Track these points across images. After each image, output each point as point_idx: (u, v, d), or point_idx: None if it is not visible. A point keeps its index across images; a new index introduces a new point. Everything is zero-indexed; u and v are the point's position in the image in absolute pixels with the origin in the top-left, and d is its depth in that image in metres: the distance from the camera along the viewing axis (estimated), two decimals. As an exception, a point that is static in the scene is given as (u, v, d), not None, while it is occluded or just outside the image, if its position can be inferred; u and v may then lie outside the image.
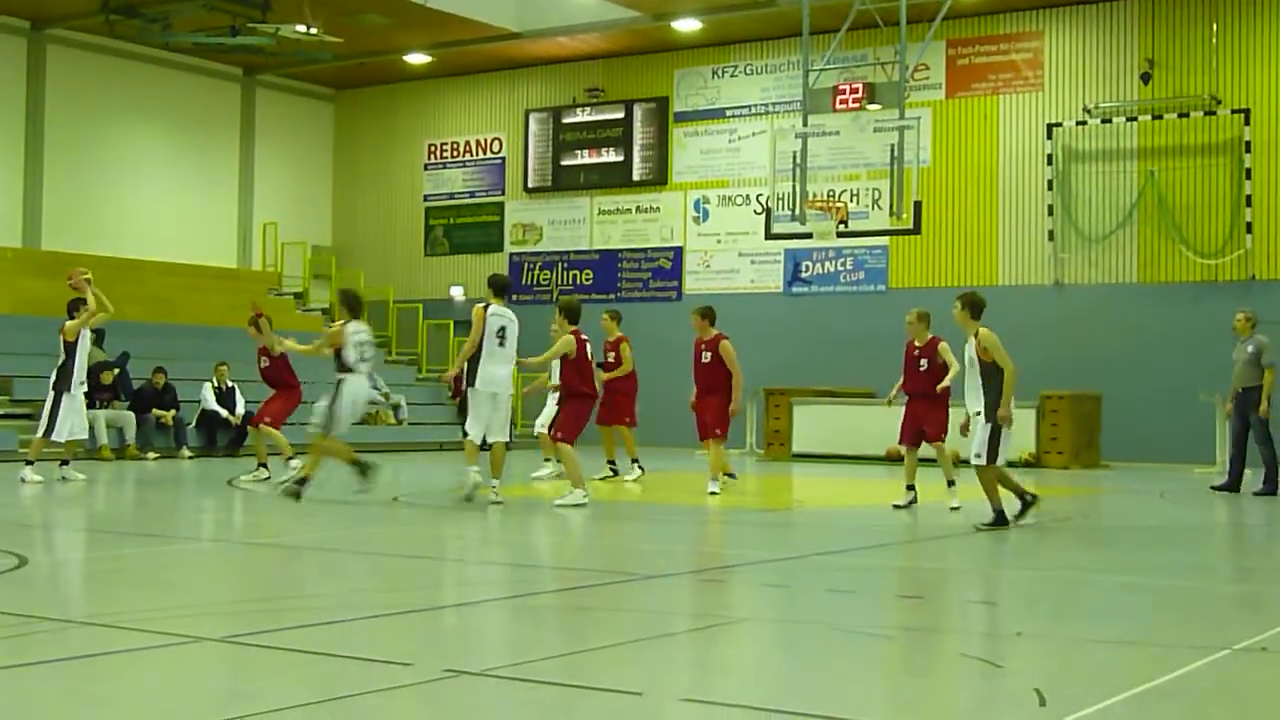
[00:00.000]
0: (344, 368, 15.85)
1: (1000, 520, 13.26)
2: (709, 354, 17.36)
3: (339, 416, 15.71)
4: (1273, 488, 18.59)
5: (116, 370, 23.96)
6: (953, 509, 15.00)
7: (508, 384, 15.61)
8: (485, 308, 15.48)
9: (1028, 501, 13.68)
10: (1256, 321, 19.05)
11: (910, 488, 15.66)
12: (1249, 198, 25.83)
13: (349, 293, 16.59)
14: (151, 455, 23.60)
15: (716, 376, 17.23)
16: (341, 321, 16.13)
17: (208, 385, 25.04)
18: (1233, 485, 18.88)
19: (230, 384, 25.13)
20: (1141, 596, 9.81)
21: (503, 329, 15.43)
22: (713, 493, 16.81)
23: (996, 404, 13.39)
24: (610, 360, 19.55)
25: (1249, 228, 25.82)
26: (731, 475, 18.47)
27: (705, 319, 17.59)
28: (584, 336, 15.99)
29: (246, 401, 25.40)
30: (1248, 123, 25.90)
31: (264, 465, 18.95)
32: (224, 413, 24.96)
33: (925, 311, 16.53)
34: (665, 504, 17.19)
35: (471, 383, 15.39)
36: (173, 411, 24.31)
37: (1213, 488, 19.17)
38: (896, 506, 15.44)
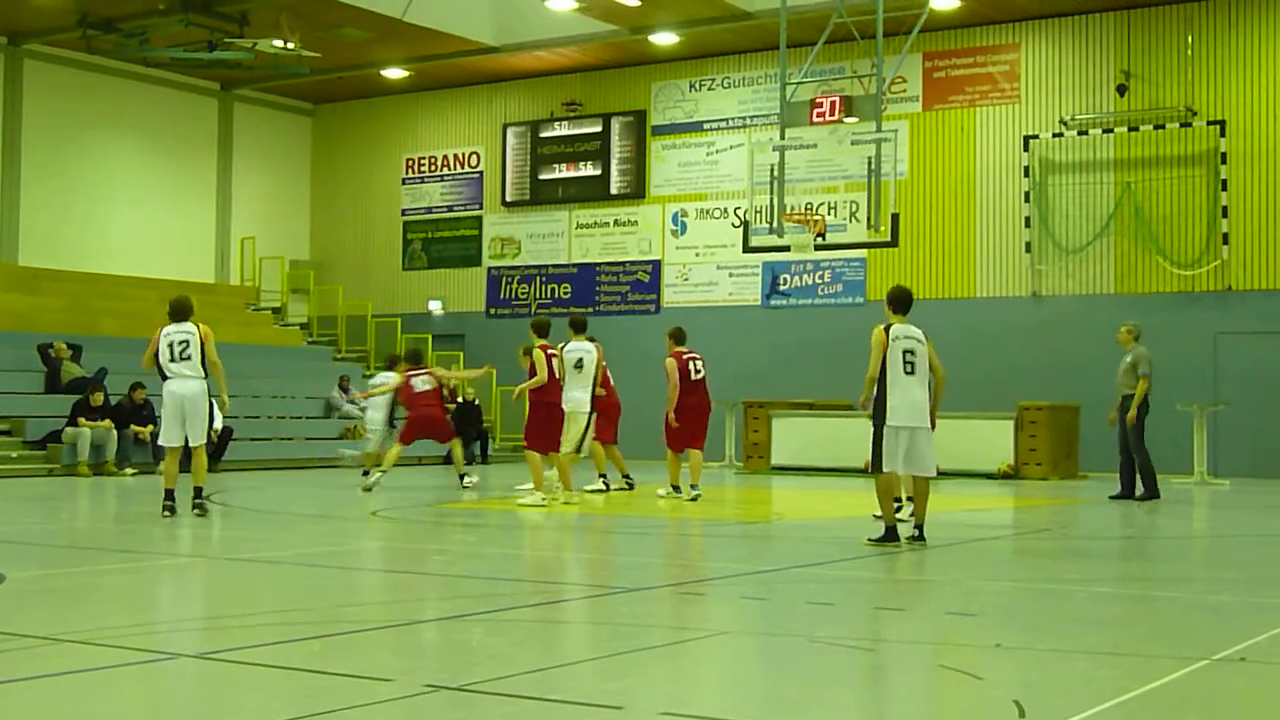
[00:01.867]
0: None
1: (890, 536, 12.63)
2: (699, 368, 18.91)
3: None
4: (1153, 492, 19.28)
5: (102, 392, 23.86)
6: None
7: (584, 404, 18.09)
8: (563, 346, 18.13)
9: (889, 528, 12.73)
10: (1139, 334, 19.82)
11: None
12: (1225, 209, 25.95)
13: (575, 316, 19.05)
14: (129, 471, 23.51)
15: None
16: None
17: (216, 400, 24.86)
18: (1126, 494, 19.46)
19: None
20: (1121, 607, 9.83)
21: (580, 360, 18.07)
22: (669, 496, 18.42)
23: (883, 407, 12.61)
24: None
25: (1225, 238, 25.93)
26: (629, 480, 20.35)
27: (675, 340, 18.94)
28: (551, 351, 17.41)
29: (224, 417, 25.33)
30: (1223, 134, 26.03)
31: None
32: (202, 428, 24.83)
33: None
34: (645, 517, 17.18)
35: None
36: (150, 427, 24.19)
37: (1110, 498, 19.55)
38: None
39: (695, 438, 18.51)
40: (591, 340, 18.74)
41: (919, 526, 12.91)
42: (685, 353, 18.59)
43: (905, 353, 12.66)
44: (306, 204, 36.35)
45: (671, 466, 18.59)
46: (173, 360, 15.40)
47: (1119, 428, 19.60)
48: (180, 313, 15.70)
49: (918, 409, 12.65)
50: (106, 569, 11.76)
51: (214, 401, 16.10)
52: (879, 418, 12.59)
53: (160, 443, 15.90)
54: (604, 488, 19.80)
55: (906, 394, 12.58)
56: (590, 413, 18.25)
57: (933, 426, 12.97)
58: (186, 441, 15.47)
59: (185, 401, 15.39)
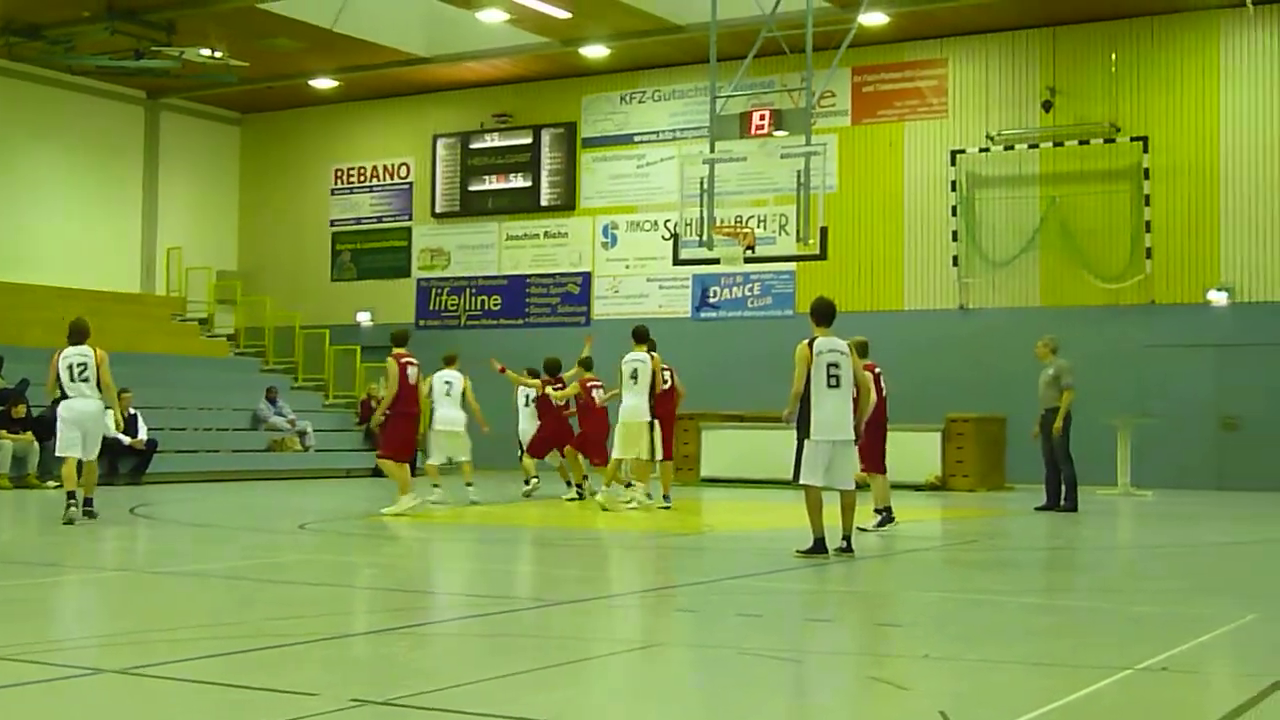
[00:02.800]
0: None
1: (818, 548, 12.64)
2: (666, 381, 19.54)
3: None
4: (1073, 504, 19.55)
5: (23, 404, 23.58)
6: (861, 529, 15.09)
7: (639, 414, 18.41)
8: (623, 356, 18.64)
9: (817, 540, 12.74)
10: (1056, 347, 20.13)
11: (878, 510, 15.81)
12: (1149, 223, 26.25)
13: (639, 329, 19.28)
14: (52, 484, 23.19)
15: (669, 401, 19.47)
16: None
17: (110, 412, 24.66)
18: (1052, 505, 19.69)
19: (133, 411, 24.81)
20: (1048, 617, 9.91)
21: (635, 370, 18.48)
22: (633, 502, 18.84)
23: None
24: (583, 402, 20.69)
25: (1149, 253, 26.23)
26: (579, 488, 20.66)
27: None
28: (404, 360, 17.68)
29: (150, 428, 25.12)
30: (1147, 150, 26.34)
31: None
32: (126, 440, 24.62)
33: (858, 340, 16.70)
34: (577, 529, 17.16)
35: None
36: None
37: (1036, 509, 19.77)
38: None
39: (665, 446, 18.82)
40: (651, 351, 18.84)
41: (846, 538, 12.92)
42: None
43: (830, 366, 12.69)
44: (234, 214, 36.07)
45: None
46: (72, 380, 15.94)
47: (1043, 440, 19.81)
48: (78, 335, 16.27)
49: (842, 423, 12.69)
50: (29, 583, 11.61)
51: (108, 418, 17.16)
52: (803, 431, 12.61)
53: (59, 452, 16.29)
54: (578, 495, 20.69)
55: (831, 408, 12.61)
56: (651, 420, 18.44)
57: (858, 439, 13.02)
58: None
59: (86, 419, 16.06)
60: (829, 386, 12.64)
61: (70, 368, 15.86)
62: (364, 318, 34.01)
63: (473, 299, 32.94)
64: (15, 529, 17.34)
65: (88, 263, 32.19)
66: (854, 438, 12.86)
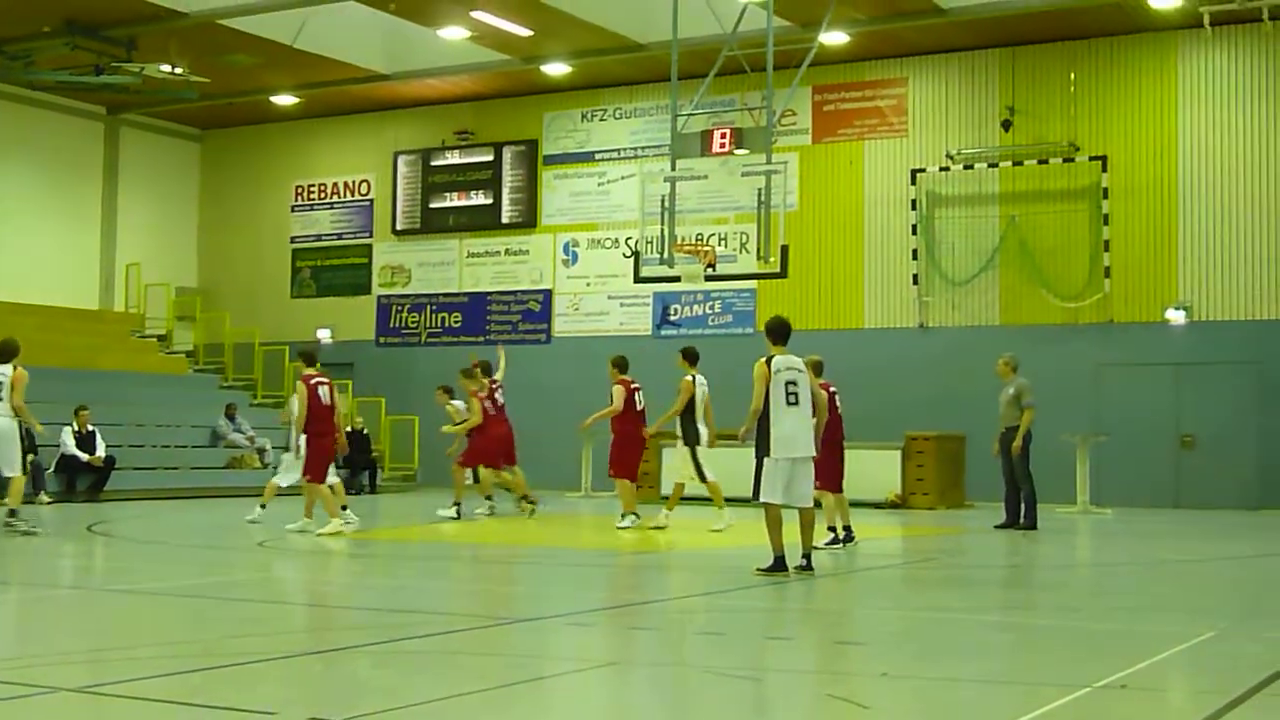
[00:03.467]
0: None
1: (779, 565, 12.66)
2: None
3: None
4: (1032, 522, 19.67)
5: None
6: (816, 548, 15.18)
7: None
8: (692, 379, 18.30)
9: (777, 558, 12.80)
10: (1017, 365, 20.27)
11: (831, 529, 15.84)
12: (1107, 243, 26.41)
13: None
14: (7, 501, 22.98)
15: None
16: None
17: (67, 429, 24.56)
18: (1011, 523, 19.80)
19: (91, 428, 24.67)
20: (1006, 635, 9.94)
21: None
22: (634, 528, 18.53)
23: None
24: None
25: (1107, 271, 26.39)
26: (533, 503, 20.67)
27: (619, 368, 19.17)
28: (315, 380, 17.43)
29: (108, 445, 24.97)
30: (1105, 169, 26.51)
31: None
32: (84, 457, 24.48)
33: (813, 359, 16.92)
34: (534, 546, 17.13)
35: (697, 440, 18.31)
36: (31, 456, 23.71)
37: (995, 527, 19.86)
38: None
39: (635, 467, 19.02)
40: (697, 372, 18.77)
41: (806, 556, 12.94)
42: (630, 382, 18.90)
43: (788, 384, 12.77)
44: (194, 230, 35.90)
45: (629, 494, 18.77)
46: None
47: (1003, 458, 19.89)
48: (4, 355, 16.98)
49: (801, 440, 12.76)
50: (-16, 601, 11.51)
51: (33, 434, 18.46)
52: (762, 449, 12.67)
53: None
54: (456, 515, 20.16)
55: (790, 425, 12.67)
56: (692, 443, 18.39)
57: (816, 452, 13.04)
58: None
59: None
60: (788, 404, 12.69)
61: None
62: (324, 335, 33.89)
63: (433, 316, 32.88)
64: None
65: (46, 278, 31.98)
66: (814, 454, 12.90)
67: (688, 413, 18.33)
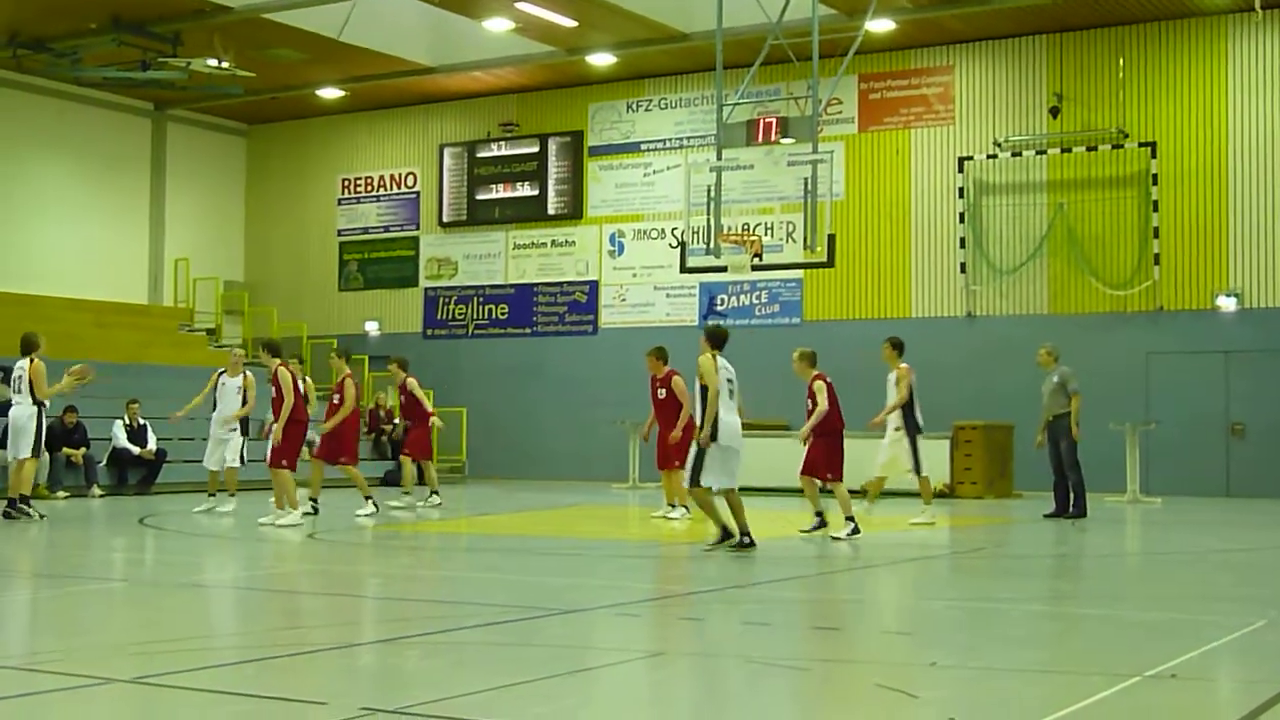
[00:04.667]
0: None
1: (727, 535, 13.79)
2: (663, 390, 18.67)
3: None
4: (1082, 510, 19.64)
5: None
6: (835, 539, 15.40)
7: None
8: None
9: (725, 537, 14.02)
10: (1058, 355, 20.24)
11: (849, 518, 15.88)
12: (1156, 229, 26.23)
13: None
14: (61, 494, 23.24)
15: (671, 411, 18.39)
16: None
17: (119, 423, 24.75)
18: (1060, 511, 19.73)
19: (142, 421, 24.85)
20: (1054, 625, 9.90)
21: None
22: (670, 518, 18.37)
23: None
24: (336, 401, 19.66)
25: (1156, 259, 26.21)
26: (685, 507, 18.64)
27: (658, 358, 18.98)
28: (291, 369, 17.84)
29: (158, 439, 25.14)
30: (1154, 156, 26.32)
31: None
32: (135, 450, 24.67)
33: (807, 351, 17.05)
34: (578, 538, 17.16)
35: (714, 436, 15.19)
36: (83, 450, 23.97)
37: (1045, 516, 19.77)
38: (835, 538, 15.60)
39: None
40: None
41: (745, 533, 13.89)
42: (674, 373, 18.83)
43: (728, 380, 14.03)
44: (241, 225, 36.12)
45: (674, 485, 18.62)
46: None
47: (1050, 447, 19.80)
48: (24, 348, 18.25)
49: (739, 431, 14.04)
50: (39, 594, 11.63)
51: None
52: (711, 437, 13.67)
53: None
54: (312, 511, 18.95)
55: (732, 418, 13.91)
56: (913, 434, 18.11)
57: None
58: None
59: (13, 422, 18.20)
60: (730, 398, 13.97)
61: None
62: (372, 327, 34.04)
63: (479, 308, 32.96)
64: (24, 541, 17.34)
65: (95, 274, 32.25)
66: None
67: (908, 403, 17.95)
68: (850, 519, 15.81)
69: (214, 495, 20.23)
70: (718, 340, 14.25)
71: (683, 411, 17.87)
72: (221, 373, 21.26)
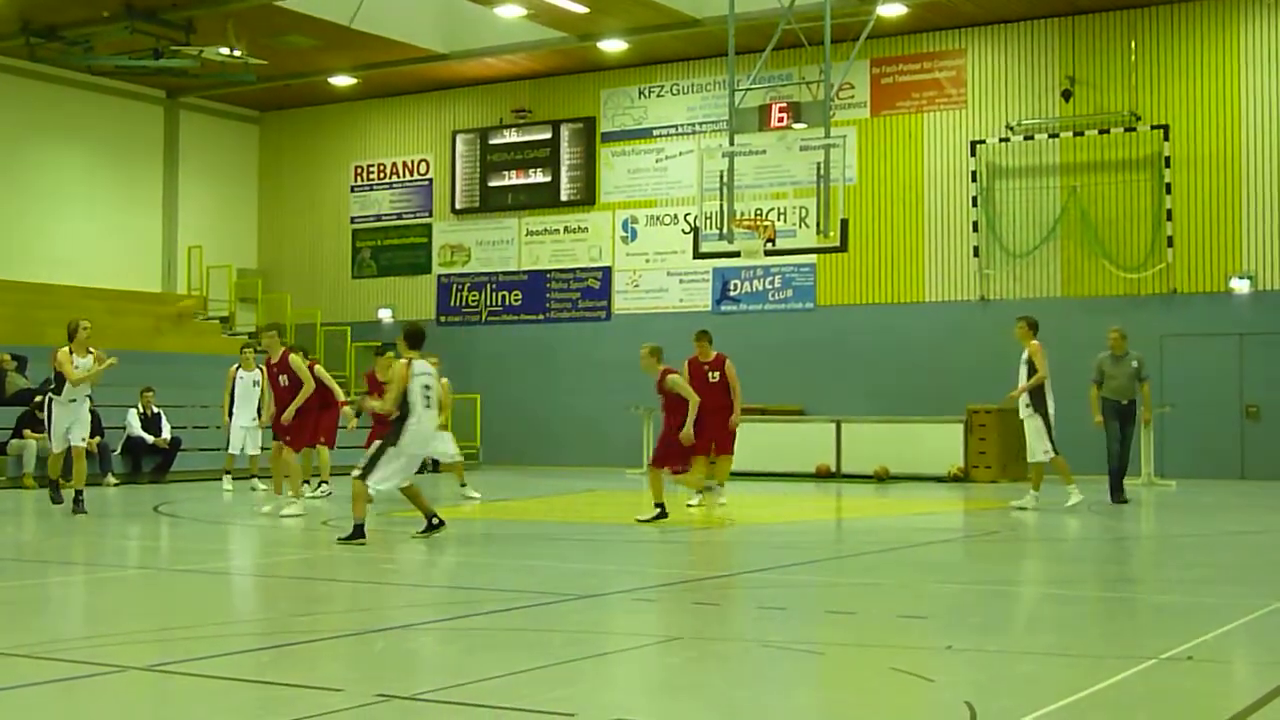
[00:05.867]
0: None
1: (358, 533, 13.46)
2: (716, 373, 18.14)
3: None
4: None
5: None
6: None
7: None
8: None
9: (433, 524, 13.99)
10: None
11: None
12: (1169, 212, 26.17)
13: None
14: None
15: (721, 395, 17.96)
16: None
17: (133, 411, 24.81)
18: (1120, 495, 19.48)
19: (156, 409, 24.91)
20: (1069, 608, 9.89)
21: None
22: (701, 505, 17.90)
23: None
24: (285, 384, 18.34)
25: (1170, 241, 26.15)
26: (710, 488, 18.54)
27: (708, 341, 18.46)
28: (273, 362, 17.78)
29: (173, 427, 25.20)
30: (1167, 138, 26.24)
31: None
32: (150, 438, 24.73)
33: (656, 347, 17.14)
34: (593, 524, 17.16)
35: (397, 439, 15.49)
36: (97, 438, 23.99)
37: (1114, 502, 19.41)
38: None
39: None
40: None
41: (431, 515, 13.98)
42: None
43: (425, 387, 13.68)
44: (254, 212, 36.15)
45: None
46: None
47: (1118, 429, 19.49)
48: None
49: (428, 439, 14.06)
50: (53, 581, 11.67)
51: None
52: (392, 438, 13.50)
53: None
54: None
55: (428, 424, 13.72)
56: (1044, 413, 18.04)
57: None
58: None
59: None
60: (425, 406, 13.65)
61: None
62: (385, 314, 34.06)
63: (493, 295, 32.97)
64: (39, 529, 17.41)
65: (108, 262, 32.31)
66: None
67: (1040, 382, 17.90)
68: (660, 505, 15.89)
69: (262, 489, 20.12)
70: (415, 341, 13.87)
71: (690, 405, 16.97)
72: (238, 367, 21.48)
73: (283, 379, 17.81)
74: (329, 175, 35.25)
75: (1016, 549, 14.52)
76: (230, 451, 22.21)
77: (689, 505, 17.94)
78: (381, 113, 34.58)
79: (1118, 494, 19.51)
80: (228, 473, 22.66)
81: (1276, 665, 7.47)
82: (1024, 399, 18.01)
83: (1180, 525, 17.38)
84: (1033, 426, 17.94)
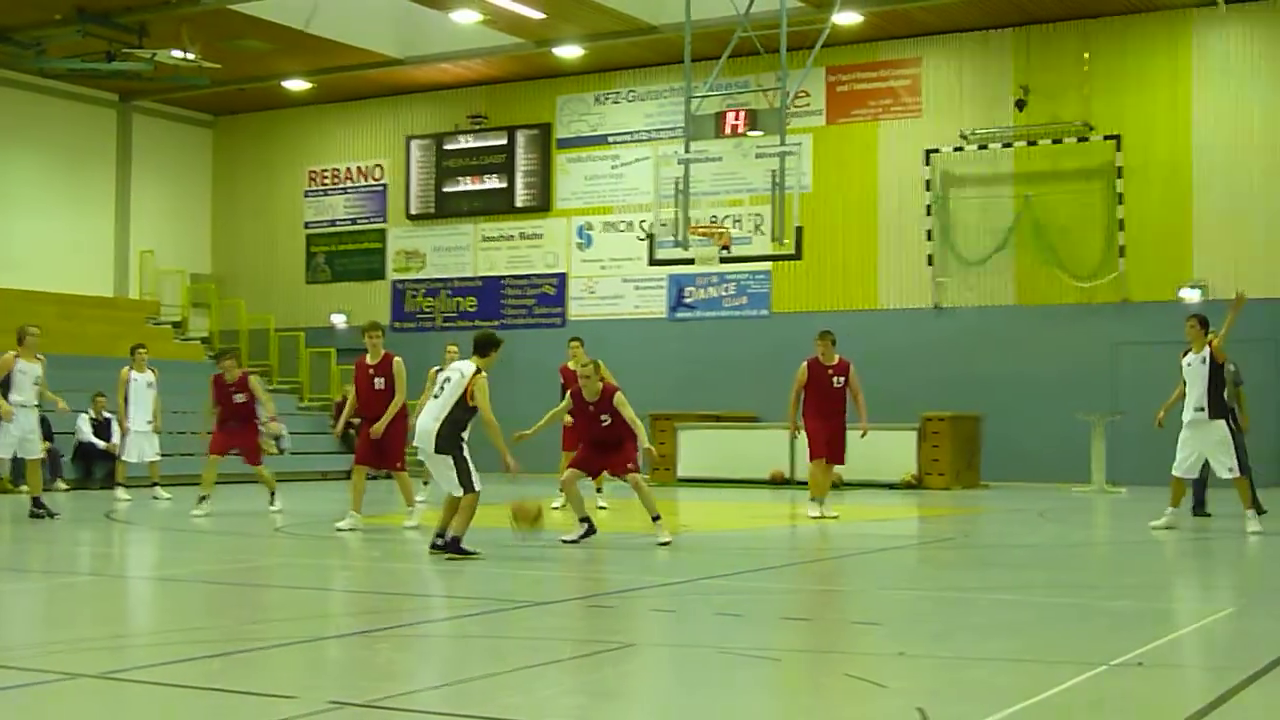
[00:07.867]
0: None
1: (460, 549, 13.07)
2: (840, 379, 17.51)
3: None
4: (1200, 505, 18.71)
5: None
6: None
7: None
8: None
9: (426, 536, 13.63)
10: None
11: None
12: (1121, 222, 26.36)
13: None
14: (25, 488, 23.07)
15: (839, 400, 17.49)
16: None
17: (84, 417, 24.64)
18: (1203, 507, 18.63)
19: (108, 415, 24.73)
20: (1023, 614, 9.94)
21: None
22: (822, 516, 17.13)
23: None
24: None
25: (1122, 251, 26.34)
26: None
27: (831, 342, 17.65)
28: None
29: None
30: (1119, 148, 26.44)
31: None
32: (101, 444, 24.55)
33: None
34: (550, 530, 17.12)
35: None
36: (47, 444, 23.78)
37: (1194, 514, 18.53)
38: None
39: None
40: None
41: (442, 534, 13.21)
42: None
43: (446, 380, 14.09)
44: (207, 217, 35.96)
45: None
46: None
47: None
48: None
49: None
50: (4, 589, 11.56)
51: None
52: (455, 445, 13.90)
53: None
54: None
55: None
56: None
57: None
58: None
59: None
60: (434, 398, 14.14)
61: None
62: (339, 320, 33.94)
63: (448, 300, 32.91)
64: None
65: (60, 267, 32.06)
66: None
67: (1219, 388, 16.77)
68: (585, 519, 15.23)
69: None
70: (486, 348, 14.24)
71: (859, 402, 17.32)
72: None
73: (378, 381, 17.38)
74: (283, 180, 35.11)
75: (970, 555, 14.58)
76: (125, 459, 21.43)
77: (554, 508, 18.03)
78: (336, 118, 34.46)
79: (1202, 507, 18.76)
80: (156, 483, 21.59)
81: (1227, 669, 7.53)
82: (1200, 404, 16.67)
83: (1133, 532, 17.47)
84: (1216, 437, 16.55)
